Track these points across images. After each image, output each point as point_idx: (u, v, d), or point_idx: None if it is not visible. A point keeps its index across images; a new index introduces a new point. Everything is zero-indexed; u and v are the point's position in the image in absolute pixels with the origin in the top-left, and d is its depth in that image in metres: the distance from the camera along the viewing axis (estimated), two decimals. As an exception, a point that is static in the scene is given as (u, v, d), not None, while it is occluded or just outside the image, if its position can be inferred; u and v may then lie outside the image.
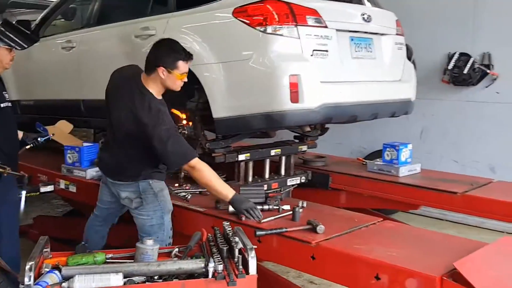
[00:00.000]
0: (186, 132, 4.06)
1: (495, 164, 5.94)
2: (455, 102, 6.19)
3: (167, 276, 2.46)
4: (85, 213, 4.18)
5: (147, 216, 3.36)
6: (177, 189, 3.95)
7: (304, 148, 4.78)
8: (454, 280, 2.39)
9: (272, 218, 3.25)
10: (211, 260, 2.44)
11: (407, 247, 2.89)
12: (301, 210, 3.31)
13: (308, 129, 3.74)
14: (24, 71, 5.53)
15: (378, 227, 3.25)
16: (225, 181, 4.14)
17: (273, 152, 4.47)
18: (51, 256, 2.64)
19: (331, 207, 3.65)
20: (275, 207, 3.44)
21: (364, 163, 5.00)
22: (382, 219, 3.39)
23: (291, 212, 3.32)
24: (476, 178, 4.48)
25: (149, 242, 2.65)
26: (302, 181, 4.74)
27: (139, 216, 3.38)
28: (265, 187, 4.42)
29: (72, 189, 4.37)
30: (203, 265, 2.44)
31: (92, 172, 4.30)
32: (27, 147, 3.94)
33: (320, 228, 3.00)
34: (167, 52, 3.22)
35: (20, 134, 3.89)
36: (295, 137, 4.85)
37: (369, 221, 3.29)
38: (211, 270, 2.38)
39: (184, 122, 4.09)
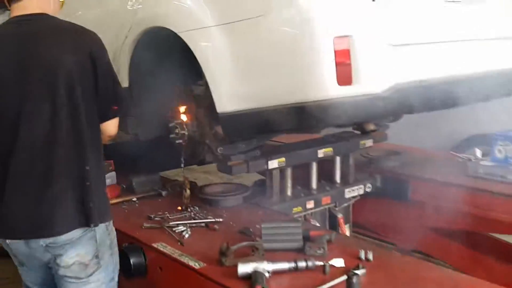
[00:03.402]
0: (186, 132, 2.71)
1: None
2: None
3: None
4: None
5: (97, 280, 2.08)
6: (176, 218, 2.63)
7: (369, 143, 3.32)
8: None
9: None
10: None
11: None
12: (362, 272, 1.89)
13: (371, 126, 2.32)
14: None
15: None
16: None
17: (321, 153, 3.06)
18: None
19: (416, 260, 2.17)
20: (317, 263, 2.03)
21: (461, 159, 3.46)
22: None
23: (341, 279, 1.91)
24: None
25: None
26: (368, 190, 3.31)
27: (86, 284, 2.07)
28: (312, 203, 3.06)
29: None
30: None
31: None
32: None
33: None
34: None
35: None
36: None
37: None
38: None
39: (184, 116, 2.74)
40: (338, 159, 3.23)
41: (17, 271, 2.39)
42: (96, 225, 2.02)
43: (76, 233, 1.99)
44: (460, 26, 2.36)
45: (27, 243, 2.03)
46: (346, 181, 3.26)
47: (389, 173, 3.40)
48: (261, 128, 2.28)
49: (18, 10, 1.99)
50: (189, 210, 2.74)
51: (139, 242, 2.42)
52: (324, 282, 1.92)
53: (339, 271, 2.00)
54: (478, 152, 3.47)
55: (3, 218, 2.01)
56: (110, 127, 2.11)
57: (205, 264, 2.13)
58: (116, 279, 2.22)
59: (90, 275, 2.06)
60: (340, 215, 3.23)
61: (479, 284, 1.93)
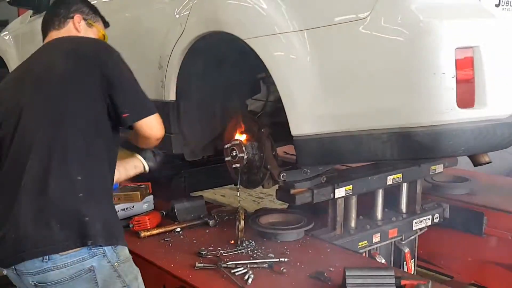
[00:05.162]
0: (246, 155, 2.32)
1: None
2: None
3: None
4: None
5: None
6: (231, 255, 2.24)
7: (440, 168, 2.94)
8: None
9: None
10: None
11: None
12: None
13: (487, 159, 1.94)
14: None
15: None
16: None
17: (390, 180, 2.68)
18: None
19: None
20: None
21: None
22: None
23: None
24: None
25: None
26: (435, 221, 2.94)
27: None
28: (378, 236, 2.69)
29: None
30: None
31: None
32: None
33: None
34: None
35: None
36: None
37: None
38: None
39: (243, 137, 2.36)
40: (405, 185, 2.86)
41: None
42: (95, 244, 1.68)
43: (70, 262, 1.67)
44: None
45: (18, 276, 1.74)
46: (413, 210, 2.89)
47: (459, 202, 3.01)
48: (348, 155, 1.89)
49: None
50: (244, 245, 2.36)
51: (192, 287, 2.03)
52: None
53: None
54: None
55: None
56: (142, 131, 1.86)
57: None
58: None
59: None
60: (406, 250, 2.85)
61: None
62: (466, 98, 1.60)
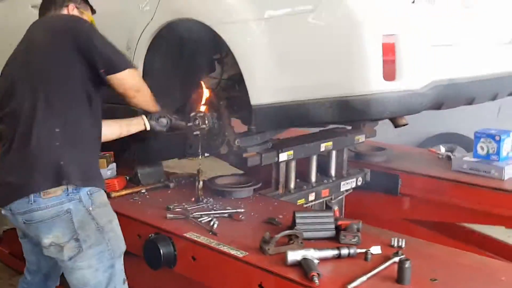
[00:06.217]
0: (207, 123, 2.72)
1: None
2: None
3: None
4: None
5: (88, 267, 2.11)
6: (195, 209, 2.63)
7: (362, 138, 3.48)
8: None
9: (364, 278, 1.93)
10: None
11: None
12: (408, 262, 1.99)
13: (405, 121, 2.46)
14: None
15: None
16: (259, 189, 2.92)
17: (323, 147, 3.17)
18: None
19: (445, 247, 2.32)
20: (358, 251, 2.13)
21: (440, 156, 3.70)
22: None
23: (389, 263, 2.02)
24: None
25: None
26: (359, 183, 3.47)
27: (76, 269, 2.12)
28: (313, 195, 3.18)
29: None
30: None
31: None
32: None
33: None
34: None
35: None
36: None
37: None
38: None
39: (203, 107, 2.75)
40: (334, 153, 3.36)
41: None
42: (69, 183, 2.06)
43: (50, 205, 2.05)
44: (478, 29, 2.55)
45: (13, 216, 2.13)
46: (340, 174, 3.39)
47: (378, 167, 3.56)
48: (297, 120, 2.35)
49: None
50: (204, 201, 2.75)
51: (167, 233, 2.40)
52: (369, 268, 2.00)
53: (378, 258, 2.10)
54: (443, 149, 3.79)
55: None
56: (116, 86, 2.22)
57: (247, 253, 2.17)
58: (118, 266, 2.22)
59: (71, 258, 2.09)
60: (336, 207, 3.36)
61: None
62: (390, 73, 2.10)
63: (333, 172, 3.39)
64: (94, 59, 2.12)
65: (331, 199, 3.36)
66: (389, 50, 2.08)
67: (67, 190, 2.06)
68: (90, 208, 2.12)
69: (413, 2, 2.20)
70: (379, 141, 3.90)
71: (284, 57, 2.27)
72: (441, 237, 3.45)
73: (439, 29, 2.30)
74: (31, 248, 2.35)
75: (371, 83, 2.10)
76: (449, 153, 3.69)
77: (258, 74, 2.33)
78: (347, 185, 3.40)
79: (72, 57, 2.11)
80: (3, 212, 2.17)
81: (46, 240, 2.09)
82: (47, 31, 2.20)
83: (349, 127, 3.49)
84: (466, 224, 3.61)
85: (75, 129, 2.13)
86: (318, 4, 2.15)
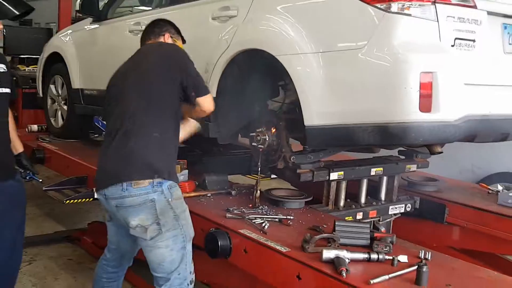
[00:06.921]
0: (267, 140, 3.13)
1: None
2: None
3: None
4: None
5: (166, 246, 2.57)
6: (251, 212, 3.03)
7: (413, 167, 3.74)
8: None
9: (386, 277, 2.25)
10: None
11: None
12: (425, 267, 2.28)
13: (439, 149, 2.73)
14: (88, 57, 4.81)
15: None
16: (310, 202, 3.26)
17: (373, 171, 3.48)
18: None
19: (466, 263, 2.57)
20: (387, 257, 2.43)
21: (490, 191, 3.88)
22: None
23: (411, 269, 2.31)
24: None
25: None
26: (408, 209, 3.73)
27: (156, 249, 2.57)
28: (361, 214, 3.47)
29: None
30: None
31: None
32: None
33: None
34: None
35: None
36: (400, 152, 3.80)
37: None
38: None
39: (265, 127, 3.17)
40: (385, 178, 3.65)
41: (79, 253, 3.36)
42: (159, 177, 2.56)
43: (139, 193, 2.53)
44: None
45: (106, 200, 2.62)
46: (390, 199, 3.67)
47: (427, 197, 3.80)
48: (343, 141, 2.70)
49: None
50: (260, 208, 3.14)
51: (225, 228, 2.82)
52: (393, 272, 2.30)
53: (404, 265, 2.39)
54: (500, 187, 3.95)
55: (104, 166, 2.68)
56: (201, 105, 2.75)
57: (289, 249, 2.53)
58: (188, 248, 2.65)
59: (152, 238, 2.53)
60: (383, 229, 3.63)
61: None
62: (426, 106, 2.42)
63: (383, 196, 3.67)
64: (188, 82, 2.66)
65: (379, 220, 3.63)
66: (426, 86, 2.40)
67: (153, 183, 2.55)
68: (170, 200, 2.59)
69: (453, 46, 2.51)
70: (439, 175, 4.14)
71: (335, 86, 2.64)
72: (482, 266, 3.61)
73: (476, 70, 2.58)
74: (115, 230, 2.84)
75: (409, 113, 2.43)
76: (499, 189, 3.85)
77: (312, 99, 2.71)
78: (395, 209, 3.67)
79: (172, 78, 2.65)
80: (97, 196, 2.70)
81: (133, 222, 2.55)
82: (154, 55, 2.76)
83: (403, 157, 3.77)
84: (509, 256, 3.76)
85: (166, 135, 2.66)
86: (368, 42, 2.51)
